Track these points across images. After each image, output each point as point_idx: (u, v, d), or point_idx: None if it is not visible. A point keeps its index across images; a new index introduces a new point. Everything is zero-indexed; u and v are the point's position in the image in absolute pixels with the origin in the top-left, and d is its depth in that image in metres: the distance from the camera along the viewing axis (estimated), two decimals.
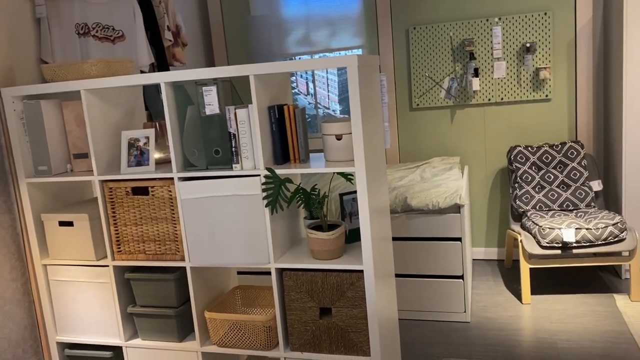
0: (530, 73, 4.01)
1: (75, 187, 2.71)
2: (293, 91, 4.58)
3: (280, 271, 2.21)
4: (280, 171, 2.11)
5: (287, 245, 2.31)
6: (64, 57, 2.90)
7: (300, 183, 2.20)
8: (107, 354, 2.51)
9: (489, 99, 4.11)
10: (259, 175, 2.13)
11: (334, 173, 2.27)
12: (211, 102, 2.18)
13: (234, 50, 4.69)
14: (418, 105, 4.25)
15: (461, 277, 3.29)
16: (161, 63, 3.20)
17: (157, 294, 2.40)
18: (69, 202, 2.68)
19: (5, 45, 2.53)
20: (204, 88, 2.17)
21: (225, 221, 2.20)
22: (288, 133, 2.18)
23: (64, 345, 2.60)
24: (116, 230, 2.38)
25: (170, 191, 2.28)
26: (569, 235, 3.30)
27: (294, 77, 4.56)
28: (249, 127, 2.12)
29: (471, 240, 4.24)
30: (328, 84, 4.46)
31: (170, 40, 3.27)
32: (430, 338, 3.14)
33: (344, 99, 4.44)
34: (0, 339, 2.40)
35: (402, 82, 4.28)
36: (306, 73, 4.51)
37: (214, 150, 2.21)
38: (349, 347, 2.17)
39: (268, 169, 2.10)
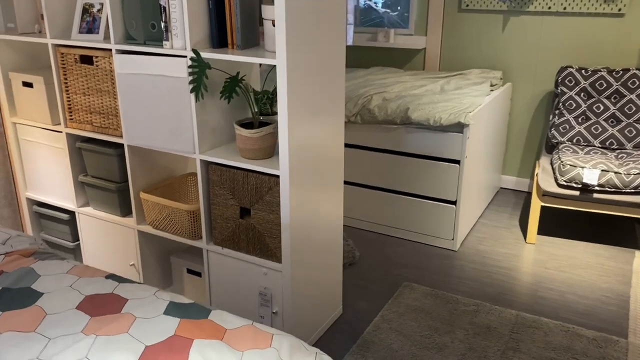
0: None
1: (47, 51, 2.69)
2: None
3: (207, 164, 2.10)
4: (208, 55, 1.92)
5: (223, 140, 2.16)
6: None
7: (238, 73, 2.00)
8: (65, 216, 2.61)
9: (549, 7, 3.49)
10: (186, 56, 1.96)
11: (270, 68, 2.05)
12: None
13: None
14: (468, 5, 3.72)
15: (454, 202, 3.00)
16: None
17: (103, 167, 2.40)
18: (40, 65, 2.66)
19: None
20: None
21: (155, 102, 2.09)
22: (227, 13, 1.96)
23: (32, 202, 2.73)
24: (68, 97, 2.36)
25: (111, 63, 2.18)
26: (590, 177, 2.85)
27: None
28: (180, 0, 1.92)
29: (501, 168, 3.84)
30: None
31: None
32: (403, 259, 2.96)
33: None
34: None
35: None
36: None
37: (150, 24, 2.06)
38: (264, 251, 2.07)
39: (194, 51, 1.92)
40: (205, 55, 1.92)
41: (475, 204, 3.29)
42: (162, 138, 2.12)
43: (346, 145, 3.24)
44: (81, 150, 2.45)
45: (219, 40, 1.99)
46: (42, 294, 1.45)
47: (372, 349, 2.23)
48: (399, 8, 3.98)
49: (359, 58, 4.21)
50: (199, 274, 2.38)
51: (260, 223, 2.04)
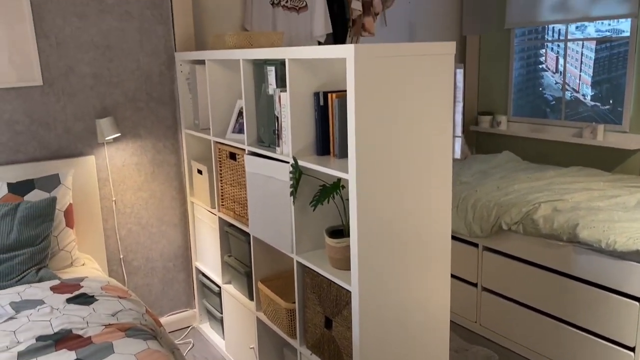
0: None
1: None
2: (540, 66, 3.83)
3: (302, 266, 2.12)
4: (306, 164, 1.98)
5: (321, 243, 2.16)
6: (259, 26, 3.25)
7: (339, 180, 1.99)
8: (216, 289, 2.91)
9: None
10: (288, 162, 2.06)
11: None
12: (271, 82, 2.17)
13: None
14: None
15: (633, 349, 2.37)
16: (340, 33, 3.22)
17: (240, 251, 2.62)
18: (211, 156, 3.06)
19: (210, 17, 3.02)
20: (267, 67, 2.18)
21: (267, 200, 2.22)
22: (330, 124, 2.01)
23: (199, 271, 3.12)
24: (221, 186, 2.68)
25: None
26: None
27: (543, 50, 3.80)
28: (289, 111, 2.05)
29: None
30: (582, 62, 3.56)
31: (360, 11, 3.23)
32: None
33: (599, 82, 3.49)
34: (154, 251, 3.08)
35: None
36: (557, 46, 3.69)
37: (272, 129, 2.23)
38: None
39: (293, 158, 2.00)
40: (301, 163, 1.99)
41: None
42: (271, 234, 2.23)
43: (504, 255, 2.88)
44: (228, 234, 2.73)
45: (322, 148, 2.05)
46: None
47: None
48: (611, 101, 3.43)
49: (559, 155, 3.74)
50: None
51: (339, 338, 1.95)
